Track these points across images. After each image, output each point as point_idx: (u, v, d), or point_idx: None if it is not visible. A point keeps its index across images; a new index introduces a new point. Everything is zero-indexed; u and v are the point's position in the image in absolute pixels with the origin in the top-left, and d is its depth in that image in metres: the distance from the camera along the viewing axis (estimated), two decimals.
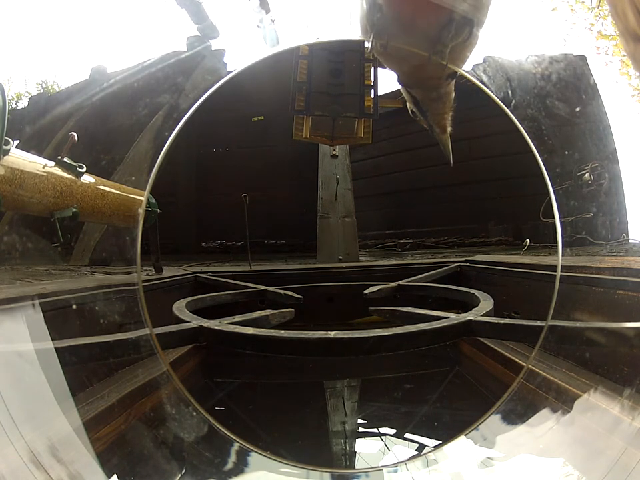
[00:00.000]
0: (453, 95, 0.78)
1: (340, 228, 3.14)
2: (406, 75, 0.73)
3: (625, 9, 0.32)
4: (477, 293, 1.41)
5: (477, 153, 4.10)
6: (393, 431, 1.20)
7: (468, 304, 1.37)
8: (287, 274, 2.15)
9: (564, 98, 3.30)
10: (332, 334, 0.94)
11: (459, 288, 1.63)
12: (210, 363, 1.52)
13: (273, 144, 4.55)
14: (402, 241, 4.26)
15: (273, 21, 3.61)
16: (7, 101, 1.24)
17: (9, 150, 1.31)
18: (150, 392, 1.03)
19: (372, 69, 1.96)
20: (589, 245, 2.87)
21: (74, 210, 1.52)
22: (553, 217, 0.88)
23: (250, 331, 0.98)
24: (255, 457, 0.94)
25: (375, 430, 1.26)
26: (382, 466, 0.97)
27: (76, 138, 1.61)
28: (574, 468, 0.78)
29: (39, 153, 1.53)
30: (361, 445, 1.16)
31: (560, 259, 1.14)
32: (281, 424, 1.25)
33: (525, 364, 1.09)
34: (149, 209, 1.89)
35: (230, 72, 0.83)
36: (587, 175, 3.07)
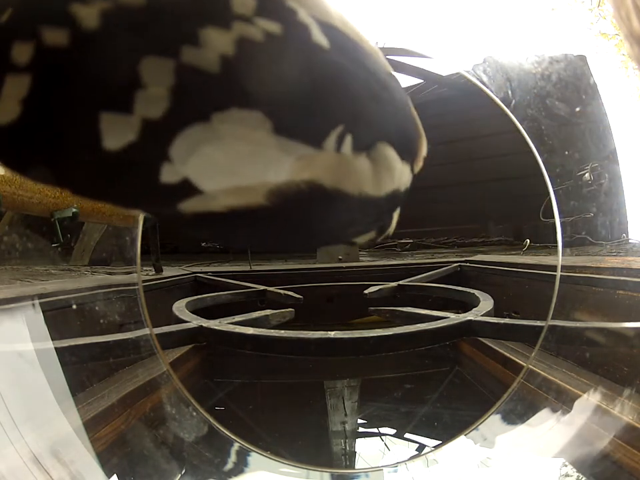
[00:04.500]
0: None
1: None
2: None
3: (629, 12, 0.32)
4: (477, 293, 1.41)
5: (477, 153, 4.10)
6: (393, 431, 1.20)
7: (468, 304, 1.37)
8: (286, 274, 2.15)
9: (564, 98, 3.30)
10: (332, 334, 0.94)
11: (459, 288, 1.63)
12: (210, 362, 1.52)
13: None
14: (402, 241, 4.26)
15: None
16: None
17: None
18: (150, 392, 1.03)
19: None
20: (589, 245, 2.87)
21: (74, 210, 1.52)
22: (553, 217, 0.88)
23: (250, 330, 0.98)
24: (254, 457, 0.94)
25: (375, 430, 1.26)
26: (382, 466, 0.97)
27: None
28: (574, 468, 0.78)
29: None
30: (361, 444, 1.16)
31: (560, 258, 1.15)
32: (281, 424, 1.25)
33: (525, 364, 1.09)
34: None
35: None
36: (587, 175, 3.07)
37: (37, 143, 0.17)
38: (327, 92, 0.21)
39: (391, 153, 0.25)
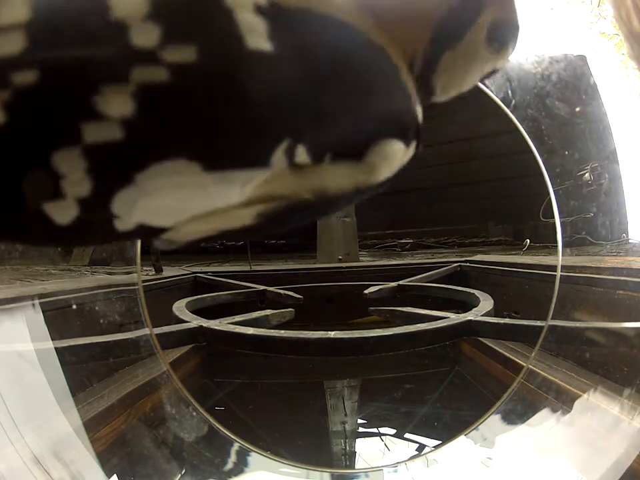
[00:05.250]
0: None
1: (340, 228, 3.14)
2: None
3: (629, 12, 0.32)
4: (477, 293, 1.41)
5: (477, 153, 4.10)
6: (393, 431, 1.20)
7: (468, 304, 1.37)
8: (286, 274, 2.15)
9: (564, 98, 3.29)
10: (332, 334, 0.94)
11: (459, 288, 1.63)
12: (210, 363, 1.52)
13: None
14: (402, 241, 4.26)
15: None
16: None
17: None
18: (150, 392, 1.03)
19: None
20: (588, 245, 2.87)
21: None
22: (553, 217, 0.88)
23: (250, 330, 0.98)
24: (255, 457, 0.94)
25: (375, 430, 1.26)
26: (382, 466, 0.97)
27: None
28: (574, 468, 0.78)
29: None
30: (361, 444, 1.17)
31: (560, 258, 1.15)
32: (280, 424, 1.25)
33: (525, 364, 1.09)
34: None
35: None
36: (586, 175, 3.06)
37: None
38: (262, 110, 0.18)
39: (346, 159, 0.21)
